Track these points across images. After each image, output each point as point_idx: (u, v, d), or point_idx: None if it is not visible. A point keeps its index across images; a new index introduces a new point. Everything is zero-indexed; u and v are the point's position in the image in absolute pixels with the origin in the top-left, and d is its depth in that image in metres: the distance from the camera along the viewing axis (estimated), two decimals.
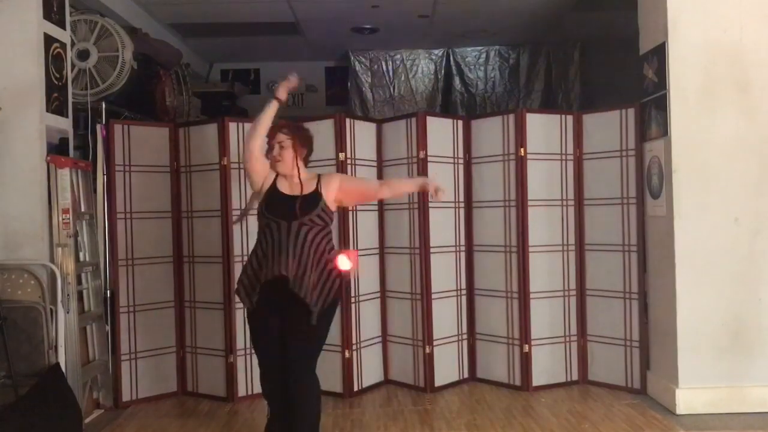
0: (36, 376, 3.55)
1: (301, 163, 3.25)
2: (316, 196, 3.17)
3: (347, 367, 4.44)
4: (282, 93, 3.23)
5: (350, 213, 4.50)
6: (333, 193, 3.23)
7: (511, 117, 4.59)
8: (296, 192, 3.18)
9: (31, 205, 3.82)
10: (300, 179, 3.20)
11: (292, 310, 3.09)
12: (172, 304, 4.60)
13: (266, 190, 3.22)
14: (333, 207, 3.25)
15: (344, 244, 4.44)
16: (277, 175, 3.25)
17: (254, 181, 3.27)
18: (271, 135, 3.22)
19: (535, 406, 4.27)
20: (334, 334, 4.46)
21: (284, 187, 3.22)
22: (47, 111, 3.91)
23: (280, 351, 3.14)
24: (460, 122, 4.79)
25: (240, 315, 4.44)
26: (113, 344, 4.36)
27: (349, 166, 4.49)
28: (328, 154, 4.46)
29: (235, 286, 3.31)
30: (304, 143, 3.27)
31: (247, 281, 3.18)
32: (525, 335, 4.55)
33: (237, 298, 4.39)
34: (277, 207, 3.15)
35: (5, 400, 3.41)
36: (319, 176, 3.29)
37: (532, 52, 7.83)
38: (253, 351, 4.47)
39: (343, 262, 3.17)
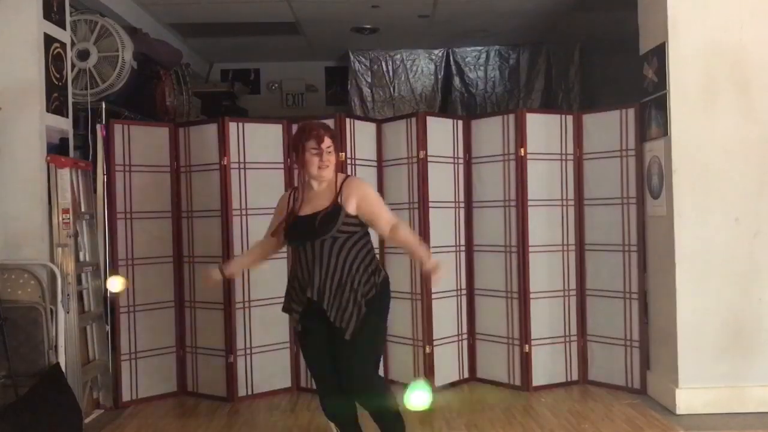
0: (36, 376, 3.55)
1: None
2: (337, 210, 2.97)
3: None
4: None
5: None
6: (353, 207, 3.00)
7: (511, 117, 4.59)
8: (317, 209, 2.99)
9: (31, 205, 3.82)
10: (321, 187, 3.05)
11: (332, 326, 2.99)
12: (172, 304, 4.60)
13: (284, 218, 3.07)
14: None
15: None
16: (294, 194, 3.11)
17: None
18: (320, 139, 2.99)
19: (535, 406, 4.27)
20: None
21: (305, 208, 3.05)
22: (47, 111, 3.91)
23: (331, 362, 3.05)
24: (460, 122, 4.79)
25: (240, 315, 4.44)
26: (113, 344, 4.36)
27: (349, 166, 4.49)
28: None
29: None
30: (338, 146, 3.17)
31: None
32: (525, 335, 4.55)
33: (237, 299, 4.42)
34: (296, 232, 3.03)
35: (5, 400, 3.41)
36: (342, 183, 3.07)
37: (532, 52, 7.83)
38: (252, 351, 4.50)
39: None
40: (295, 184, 3.21)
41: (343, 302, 2.93)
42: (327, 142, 3.00)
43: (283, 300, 3.21)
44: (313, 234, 2.94)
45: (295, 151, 3.06)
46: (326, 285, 2.94)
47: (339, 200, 2.99)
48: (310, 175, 3.03)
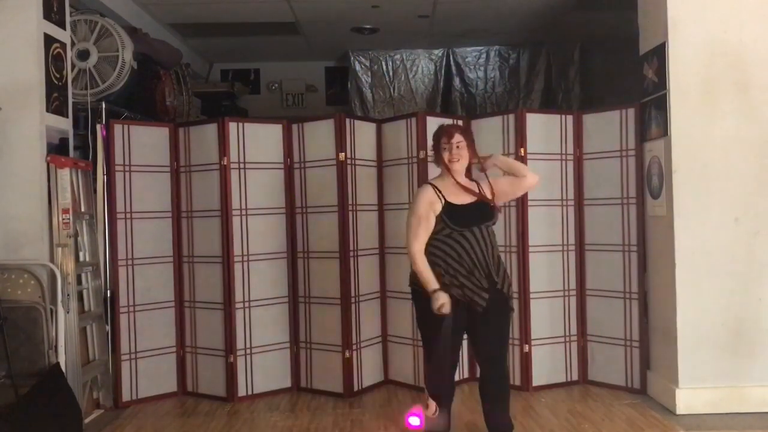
0: (36, 376, 3.55)
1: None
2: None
3: (347, 367, 4.44)
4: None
5: (350, 213, 4.50)
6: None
7: (511, 117, 4.59)
8: (469, 199, 3.41)
9: (31, 205, 3.82)
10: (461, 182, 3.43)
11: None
12: (172, 304, 4.60)
13: (440, 211, 3.38)
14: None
15: (344, 244, 4.44)
16: (438, 191, 3.41)
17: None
18: (450, 135, 3.42)
19: (535, 406, 4.27)
20: (335, 333, 4.48)
21: (456, 199, 3.40)
22: (47, 111, 3.91)
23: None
24: (460, 122, 4.78)
25: (240, 315, 4.44)
26: (113, 344, 4.36)
27: (349, 166, 4.49)
28: (328, 154, 4.46)
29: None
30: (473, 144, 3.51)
31: (460, 290, 3.33)
32: (525, 335, 4.55)
33: (237, 299, 4.42)
34: (462, 217, 3.38)
35: (5, 400, 3.41)
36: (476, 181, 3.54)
37: (532, 52, 7.83)
38: (252, 351, 4.50)
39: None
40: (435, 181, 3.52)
41: (501, 275, 3.42)
42: (457, 138, 3.42)
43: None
44: (489, 218, 3.41)
45: (435, 149, 3.50)
46: (497, 263, 3.40)
47: (482, 191, 3.47)
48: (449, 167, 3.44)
